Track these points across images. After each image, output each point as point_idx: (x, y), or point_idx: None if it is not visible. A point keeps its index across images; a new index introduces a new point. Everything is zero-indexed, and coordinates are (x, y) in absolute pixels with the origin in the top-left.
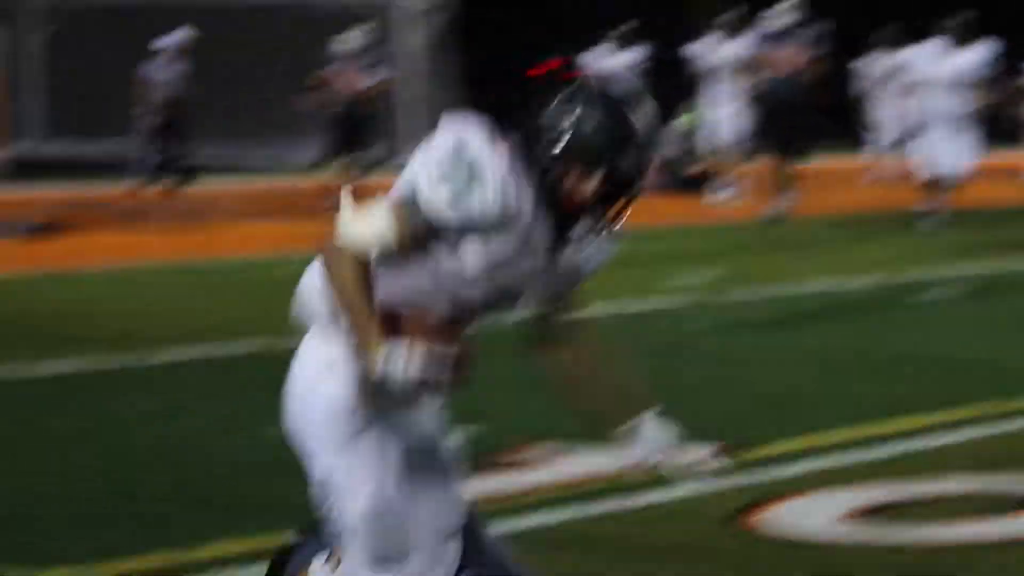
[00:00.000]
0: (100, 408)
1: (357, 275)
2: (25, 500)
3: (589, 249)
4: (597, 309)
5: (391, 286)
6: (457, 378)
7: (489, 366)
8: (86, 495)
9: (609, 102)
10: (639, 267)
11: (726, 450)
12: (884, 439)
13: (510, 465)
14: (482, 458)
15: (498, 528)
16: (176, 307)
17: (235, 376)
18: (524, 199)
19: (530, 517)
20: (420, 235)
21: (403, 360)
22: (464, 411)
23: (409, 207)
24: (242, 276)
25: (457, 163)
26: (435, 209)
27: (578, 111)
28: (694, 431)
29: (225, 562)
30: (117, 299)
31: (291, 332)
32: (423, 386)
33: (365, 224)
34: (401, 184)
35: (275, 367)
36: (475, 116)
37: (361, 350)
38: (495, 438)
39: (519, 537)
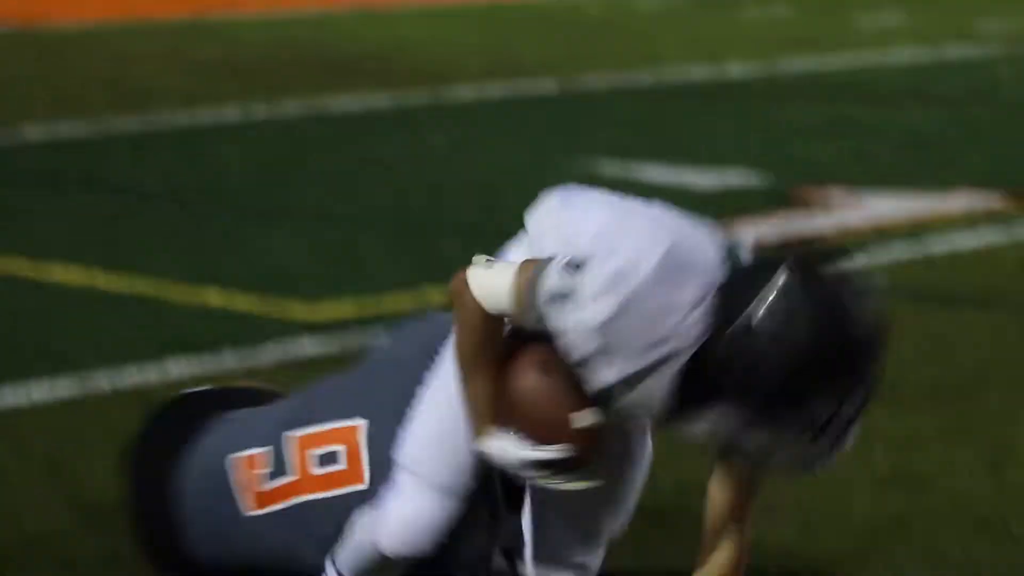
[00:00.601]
0: (394, 143)
1: (481, 337)
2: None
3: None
4: (908, 53)
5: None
6: (581, 462)
7: (780, 112)
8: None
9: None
10: (951, 9)
11: (1016, 195)
12: None
13: (801, 209)
14: (773, 203)
15: None
16: (482, 44)
17: (532, 115)
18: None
19: None
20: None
21: (511, 449)
22: (757, 155)
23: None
24: (551, 13)
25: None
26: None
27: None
28: (988, 175)
29: None
30: (422, 37)
31: (593, 71)
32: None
33: (491, 282)
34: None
35: (571, 108)
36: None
37: (472, 423)
38: (785, 182)
39: None
